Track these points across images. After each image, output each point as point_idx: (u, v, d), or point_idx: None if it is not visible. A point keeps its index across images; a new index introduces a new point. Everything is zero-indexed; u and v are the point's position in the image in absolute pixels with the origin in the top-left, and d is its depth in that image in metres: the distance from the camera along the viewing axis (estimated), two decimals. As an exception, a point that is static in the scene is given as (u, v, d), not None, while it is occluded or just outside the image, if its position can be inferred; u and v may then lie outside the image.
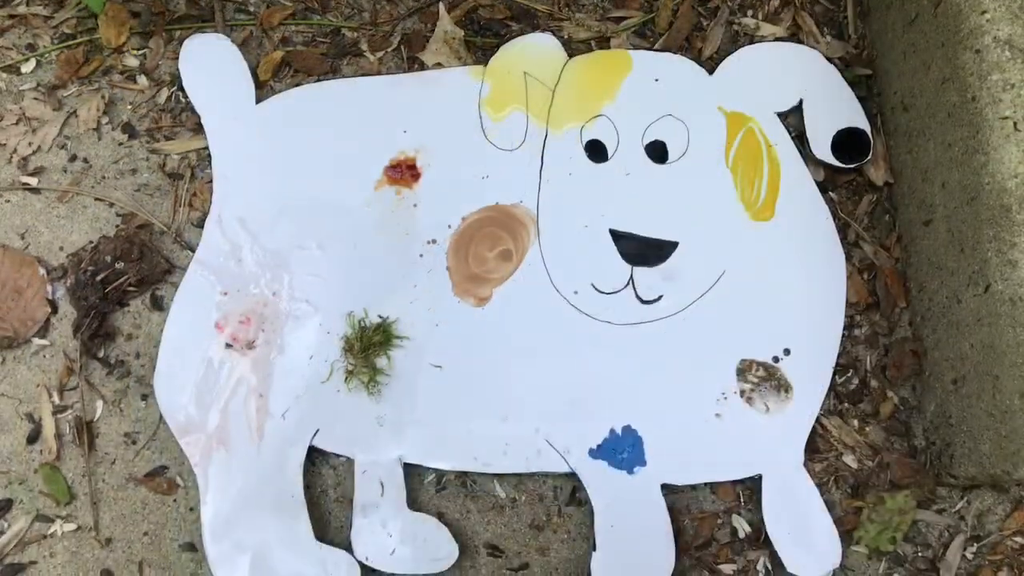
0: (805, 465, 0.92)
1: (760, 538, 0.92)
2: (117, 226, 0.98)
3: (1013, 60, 0.81)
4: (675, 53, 1.02)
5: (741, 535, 0.92)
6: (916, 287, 0.95)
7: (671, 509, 0.91)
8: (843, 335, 0.95)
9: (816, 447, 0.94)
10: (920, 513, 0.92)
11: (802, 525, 0.90)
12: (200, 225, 0.98)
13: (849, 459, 0.94)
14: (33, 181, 0.99)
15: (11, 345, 0.95)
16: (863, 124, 0.98)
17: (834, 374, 0.94)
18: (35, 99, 1.01)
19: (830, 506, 0.91)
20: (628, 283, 0.94)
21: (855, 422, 0.95)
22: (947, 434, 0.90)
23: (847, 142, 0.98)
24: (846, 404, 0.95)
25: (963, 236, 0.86)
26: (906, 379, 0.96)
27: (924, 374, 0.94)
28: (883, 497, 0.92)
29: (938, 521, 0.92)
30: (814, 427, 0.93)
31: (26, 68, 1.02)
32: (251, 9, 1.05)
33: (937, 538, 0.92)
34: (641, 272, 0.95)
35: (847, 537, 0.91)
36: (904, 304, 0.97)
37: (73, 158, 1.00)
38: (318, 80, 1.02)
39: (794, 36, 1.04)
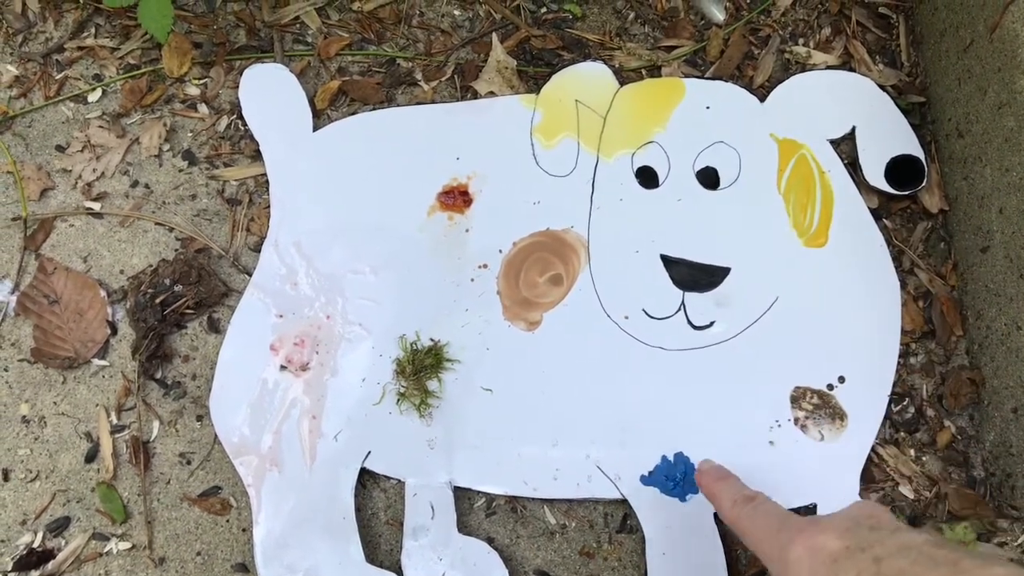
0: (860, 495, 0.91)
1: (815, 569, 0.90)
2: (176, 250, 1.01)
3: (1072, 84, 0.81)
4: (726, 81, 1.02)
5: (795, 565, 0.91)
6: (973, 315, 0.94)
7: (723, 538, 0.89)
8: (898, 363, 0.94)
9: (872, 477, 0.92)
10: (981, 546, 0.90)
11: (858, 556, 0.89)
12: (257, 249, 1.00)
13: (906, 489, 0.92)
14: (96, 206, 1.02)
15: (72, 365, 0.97)
16: (917, 151, 0.97)
17: (890, 403, 0.93)
18: (100, 127, 1.04)
19: (887, 537, 0.89)
20: (680, 308, 0.94)
21: (911, 451, 0.93)
22: (1008, 464, 0.88)
23: (901, 169, 0.97)
24: (902, 433, 0.94)
25: (1022, 262, 0.85)
26: (964, 408, 0.94)
27: (983, 403, 0.93)
28: (942, 528, 0.89)
29: (1000, 555, 0.90)
30: (869, 456, 0.92)
31: (92, 97, 1.06)
32: (309, 40, 1.08)
33: (998, 572, 0.90)
34: (693, 298, 0.94)
35: (905, 569, 0.89)
36: (961, 332, 0.96)
37: (135, 184, 1.03)
38: (374, 108, 1.04)
39: (846, 64, 1.04)
